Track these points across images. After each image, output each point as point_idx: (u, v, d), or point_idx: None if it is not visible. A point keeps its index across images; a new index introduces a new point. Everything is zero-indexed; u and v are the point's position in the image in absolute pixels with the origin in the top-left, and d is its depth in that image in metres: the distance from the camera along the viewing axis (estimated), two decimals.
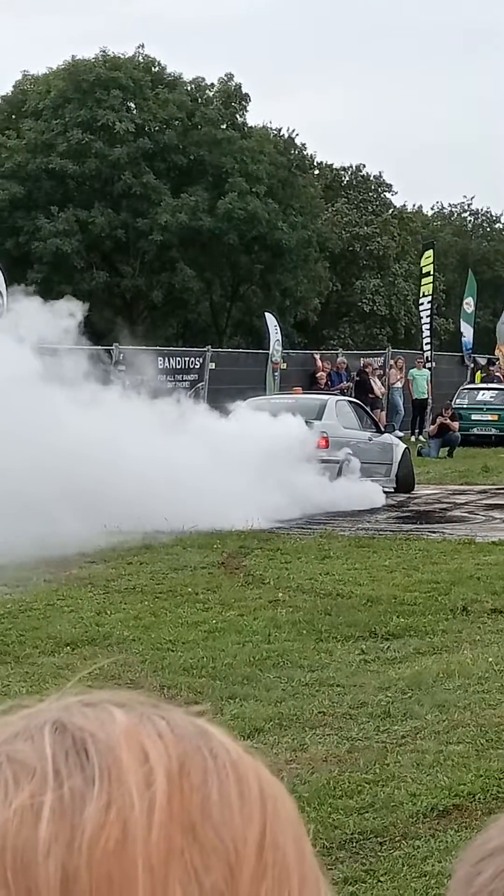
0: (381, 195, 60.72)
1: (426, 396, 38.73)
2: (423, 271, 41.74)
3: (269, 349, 38.03)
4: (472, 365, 46.27)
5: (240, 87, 52.02)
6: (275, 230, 49.54)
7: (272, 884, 0.70)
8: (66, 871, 0.66)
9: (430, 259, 41.29)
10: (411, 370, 39.18)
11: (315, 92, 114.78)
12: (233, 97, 51.82)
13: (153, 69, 51.31)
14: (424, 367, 39.51)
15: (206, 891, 0.67)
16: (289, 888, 0.71)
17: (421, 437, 36.49)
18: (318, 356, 39.31)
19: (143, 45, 51.96)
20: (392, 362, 40.12)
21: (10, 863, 0.66)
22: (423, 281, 41.50)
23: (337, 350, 43.80)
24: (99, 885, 0.65)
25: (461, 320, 47.41)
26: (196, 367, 33.72)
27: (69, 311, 19.07)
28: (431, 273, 41.31)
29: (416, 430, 37.89)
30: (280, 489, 18.39)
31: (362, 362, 37.98)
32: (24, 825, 0.66)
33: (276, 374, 36.88)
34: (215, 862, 0.68)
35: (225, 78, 52.19)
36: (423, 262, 42.19)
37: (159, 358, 31.55)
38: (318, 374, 36.01)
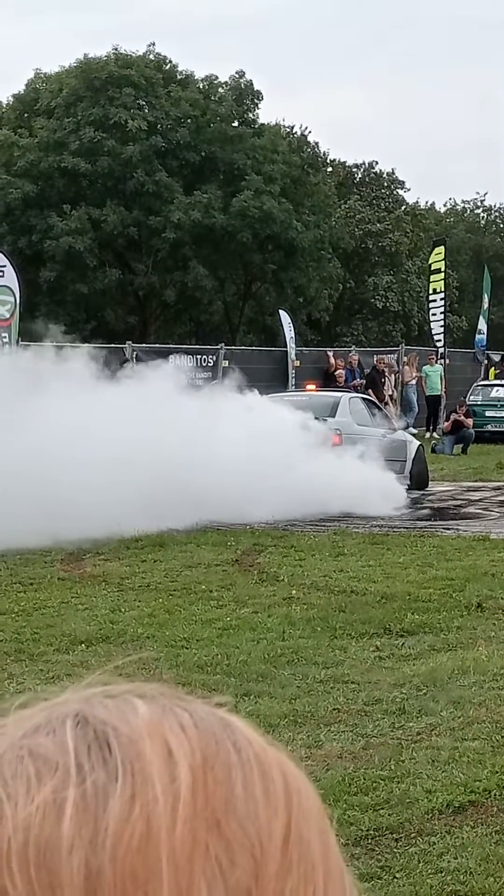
0: (394, 192, 60.71)
1: (439, 393, 38.68)
2: (433, 268, 41.69)
3: (284, 346, 38.06)
4: (486, 361, 46.22)
5: (251, 84, 52.04)
6: (288, 229, 49.53)
7: (297, 879, 0.69)
8: (90, 867, 0.65)
9: (441, 256, 41.23)
10: (424, 367, 39.14)
11: (328, 89, 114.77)
12: (245, 94, 51.82)
13: (164, 67, 51.34)
14: (437, 363, 39.46)
15: (231, 886, 0.67)
16: (314, 883, 0.70)
17: (435, 434, 36.45)
18: (331, 353, 39.28)
19: (154, 44, 52.00)
20: (406, 359, 40.09)
21: (34, 859, 0.65)
22: (434, 278, 41.44)
23: (350, 347, 43.77)
24: (124, 880, 0.65)
25: (480, 317, 47.36)
26: (209, 364, 33.73)
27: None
28: (443, 270, 41.25)
29: (431, 427, 37.86)
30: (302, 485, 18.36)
31: (375, 359, 37.92)
32: (47, 821, 0.66)
33: (291, 371, 36.92)
34: (240, 857, 0.67)
35: (237, 75, 52.21)
36: (432, 259, 42.14)
37: (172, 356, 31.55)
38: (337, 373, 35.94)
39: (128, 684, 0.75)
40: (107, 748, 0.69)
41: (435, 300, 41.13)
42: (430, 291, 41.54)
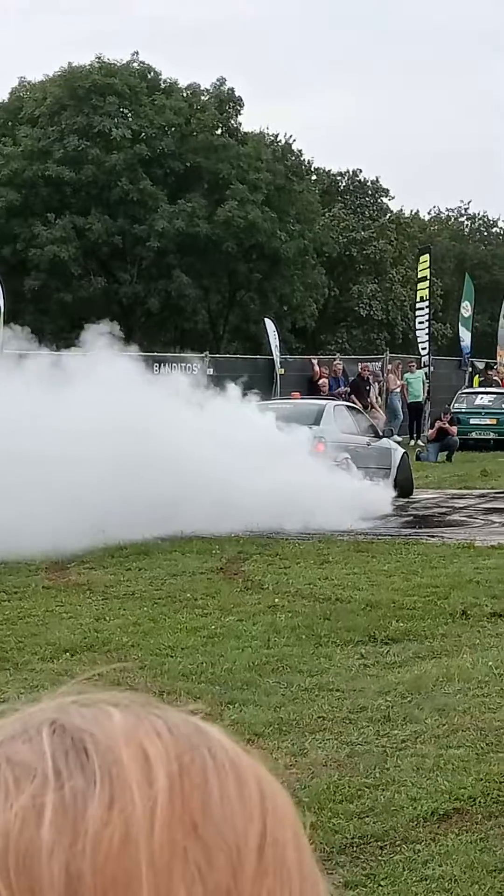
0: (378, 200, 60.84)
1: (421, 399, 38.74)
2: (420, 276, 41.76)
3: (269, 355, 38.08)
4: (470, 369, 46.29)
5: (233, 91, 52.10)
6: (272, 239, 49.58)
7: (274, 882, 0.70)
8: (70, 871, 0.65)
9: (427, 264, 41.30)
10: (405, 374, 39.23)
11: (312, 97, 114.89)
12: (226, 101, 51.88)
13: (148, 76, 51.38)
14: (418, 369, 39.53)
15: (210, 889, 0.67)
16: (290, 887, 0.71)
17: (419, 442, 36.51)
18: (315, 361, 39.32)
19: (137, 52, 52.04)
20: (390, 367, 40.14)
21: (13, 864, 0.65)
22: (420, 286, 41.51)
23: (335, 355, 43.80)
24: (104, 884, 0.65)
25: (459, 325, 47.45)
26: (194, 373, 33.71)
27: None
28: (428, 278, 41.33)
29: (414, 435, 37.91)
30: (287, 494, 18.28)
31: (359, 367, 37.98)
32: (27, 826, 0.66)
33: (277, 379, 36.94)
34: (218, 860, 0.68)
35: (217, 82, 52.29)
36: (419, 267, 42.21)
37: (156, 364, 31.53)
38: (321, 382, 35.96)
39: (102, 693, 0.75)
40: (84, 754, 0.69)
41: (422, 308, 41.23)
42: (418, 299, 41.62)
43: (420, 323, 41.25)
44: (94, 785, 0.67)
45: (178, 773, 0.69)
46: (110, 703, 0.74)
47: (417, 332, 41.38)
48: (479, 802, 6.99)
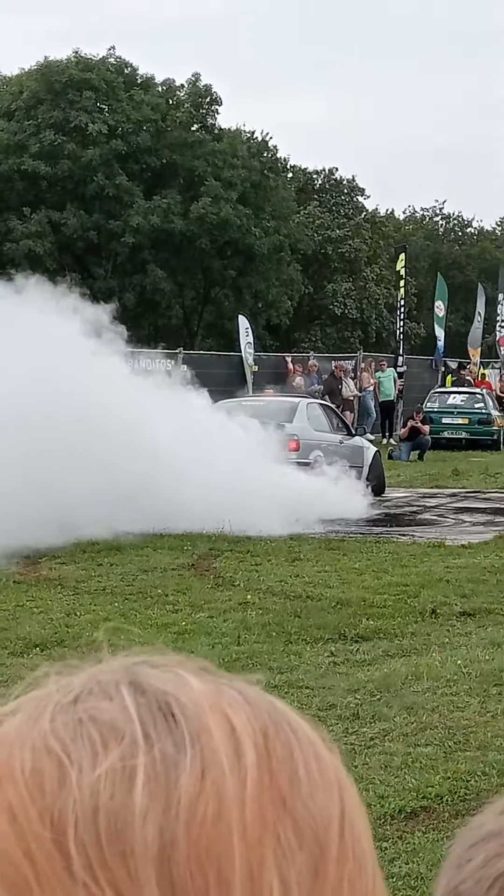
0: (354, 199, 60.86)
1: (393, 398, 38.82)
2: (399, 275, 41.86)
3: (240, 351, 38.07)
4: (442, 369, 46.39)
5: (209, 87, 52.05)
6: (247, 235, 49.56)
7: (353, 865, 0.69)
8: (164, 838, 0.64)
9: (403, 262, 41.40)
10: (376, 373, 39.30)
11: (289, 95, 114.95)
12: (203, 98, 51.82)
13: (125, 71, 51.28)
14: (388, 368, 39.60)
15: (299, 867, 0.66)
16: (367, 872, 0.70)
17: (392, 441, 36.57)
18: (289, 359, 39.35)
19: (114, 47, 51.95)
20: (364, 365, 40.20)
21: (104, 826, 0.64)
22: (399, 284, 41.63)
23: (309, 353, 43.83)
24: (198, 855, 0.64)
25: (434, 324, 47.54)
26: (168, 369, 33.68)
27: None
28: (403, 276, 41.41)
29: (387, 434, 37.98)
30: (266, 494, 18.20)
31: (333, 365, 38.01)
32: (119, 789, 0.65)
33: (249, 376, 36.94)
34: (307, 838, 0.67)
35: (193, 78, 52.21)
36: (398, 266, 42.31)
37: (129, 360, 31.46)
38: (295, 382, 35.92)
39: (167, 655, 0.74)
40: (171, 718, 0.68)
41: (400, 306, 41.29)
42: (399, 297, 41.70)
43: (399, 321, 41.34)
44: (184, 752, 0.67)
45: (264, 746, 0.68)
46: (181, 666, 0.73)
47: (396, 332, 41.45)
48: (447, 801, 7.03)
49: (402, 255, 41.95)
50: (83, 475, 15.77)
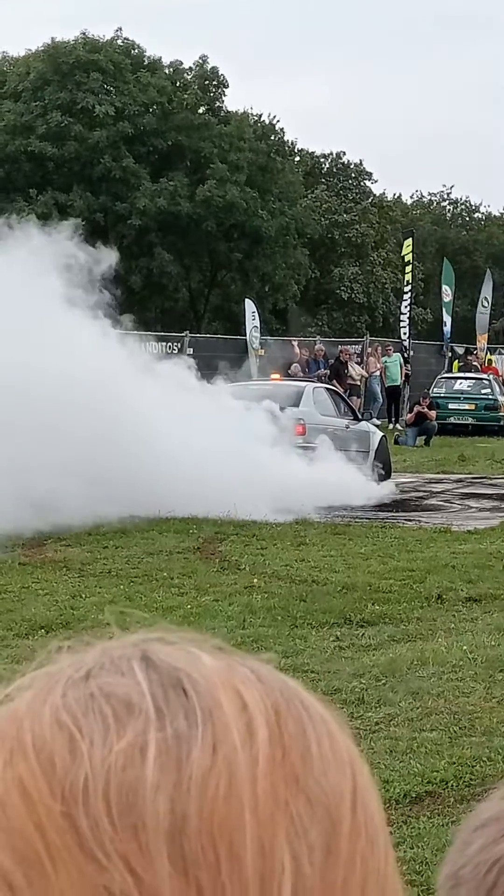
0: (361, 183, 60.78)
1: (398, 383, 38.79)
2: (406, 260, 41.78)
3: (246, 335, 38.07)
4: (449, 354, 46.35)
5: (216, 69, 51.95)
6: (254, 217, 49.50)
7: (366, 843, 0.69)
8: (176, 811, 0.64)
9: (411, 248, 41.33)
10: (382, 357, 39.27)
11: (297, 79, 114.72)
12: (210, 80, 51.74)
13: (132, 52, 51.19)
14: (394, 353, 39.58)
15: (311, 843, 0.66)
16: (379, 850, 0.70)
17: (398, 426, 36.55)
18: (295, 343, 39.31)
19: (121, 29, 51.88)
20: (370, 350, 40.16)
21: (115, 800, 0.64)
22: (406, 269, 41.52)
23: (315, 337, 43.79)
24: (210, 828, 0.64)
25: (443, 310, 47.49)
26: (174, 352, 33.68)
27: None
28: (410, 262, 41.34)
29: (393, 419, 37.96)
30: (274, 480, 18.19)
31: (339, 350, 37.99)
32: (130, 763, 0.65)
33: (256, 360, 36.92)
34: (319, 815, 0.67)
35: (200, 61, 52.11)
36: (404, 251, 42.24)
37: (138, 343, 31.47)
38: (291, 368, 35.82)
39: (180, 633, 0.74)
40: (183, 694, 0.68)
41: (406, 292, 41.23)
42: (405, 283, 41.63)
43: (404, 307, 41.28)
44: (196, 727, 0.66)
45: (276, 722, 0.68)
46: (192, 643, 0.73)
47: (401, 316, 41.40)
48: (452, 786, 7.02)
49: (410, 241, 41.86)
50: (62, 458, 15.72)
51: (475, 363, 44.62)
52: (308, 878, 0.65)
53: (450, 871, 0.85)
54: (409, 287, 41.07)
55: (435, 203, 72.42)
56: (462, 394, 38.27)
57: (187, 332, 36.77)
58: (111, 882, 0.63)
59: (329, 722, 0.71)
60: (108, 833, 0.64)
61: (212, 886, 0.64)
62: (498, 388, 39.27)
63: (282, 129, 55.26)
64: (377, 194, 62.43)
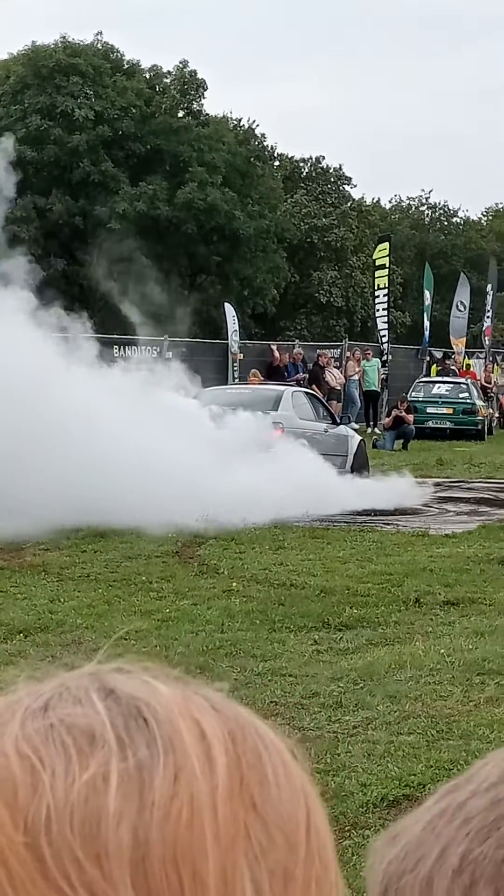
0: (340, 187, 60.79)
1: (376, 388, 38.86)
2: (377, 264, 41.78)
3: (227, 339, 38.08)
4: (427, 358, 46.42)
5: (195, 73, 51.95)
6: (233, 220, 49.52)
7: (320, 867, 0.70)
8: (139, 838, 0.65)
9: (386, 252, 41.33)
10: (362, 362, 39.32)
11: (277, 83, 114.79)
12: (189, 84, 51.74)
13: (112, 56, 51.16)
14: (373, 358, 39.62)
15: (271, 868, 0.67)
16: (331, 874, 0.71)
17: (376, 430, 36.60)
18: (274, 347, 39.35)
19: (101, 32, 51.87)
20: (349, 354, 40.21)
21: (78, 828, 0.65)
22: (378, 273, 41.52)
23: (294, 341, 43.82)
24: (173, 854, 0.65)
25: (424, 314, 47.55)
26: (153, 356, 33.67)
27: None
28: (387, 266, 41.37)
29: (371, 423, 38.00)
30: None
31: (317, 353, 38.03)
32: (93, 793, 0.66)
33: (235, 364, 36.95)
34: (277, 840, 0.68)
35: (180, 65, 52.12)
36: (376, 255, 42.25)
37: (115, 346, 31.47)
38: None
39: (135, 662, 0.75)
40: (143, 722, 0.69)
41: (379, 296, 41.25)
42: (375, 287, 41.63)
43: (378, 311, 41.31)
44: (157, 756, 0.67)
45: (233, 750, 0.69)
46: (148, 674, 0.73)
47: (378, 321, 41.43)
48: (429, 789, 7.01)
49: (386, 245, 41.86)
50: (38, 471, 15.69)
51: (453, 367, 44.70)
52: None
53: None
54: (386, 291, 41.09)
55: (413, 207, 72.51)
56: (440, 398, 38.35)
57: (166, 336, 36.75)
58: None
59: (283, 750, 0.73)
60: (72, 863, 0.64)
61: None
62: (476, 392, 39.36)
63: (262, 135, 55.31)
64: (356, 199, 62.46)
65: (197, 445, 17.70)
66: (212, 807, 0.66)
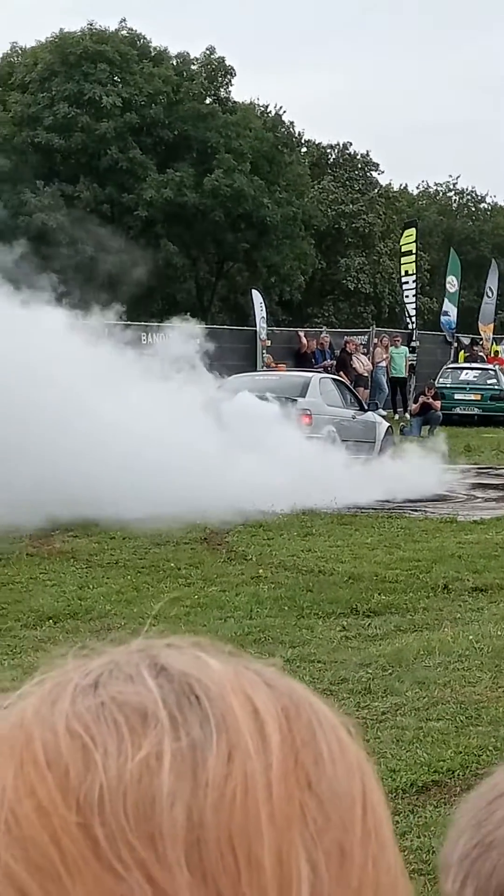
0: (368, 174, 60.68)
1: (404, 375, 38.77)
2: (404, 250, 41.68)
3: (255, 326, 38.07)
4: (455, 344, 46.28)
5: (223, 60, 51.89)
6: (260, 207, 49.47)
7: (376, 847, 0.69)
8: (193, 819, 0.64)
9: (412, 238, 41.24)
10: (389, 349, 39.25)
11: (304, 69, 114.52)
12: (217, 71, 51.69)
13: (138, 43, 51.14)
14: (402, 344, 39.55)
15: (326, 847, 0.66)
16: (388, 853, 0.70)
17: (406, 415, 36.54)
18: (302, 334, 39.33)
19: (125, 20, 51.86)
20: (377, 340, 40.13)
21: (132, 809, 0.64)
22: (405, 260, 41.42)
23: (321, 328, 43.78)
24: (228, 835, 0.64)
25: (445, 299, 47.43)
26: (182, 343, 33.64)
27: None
28: (414, 252, 41.25)
29: (397, 409, 37.94)
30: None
31: (344, 340, 37.99)
32: (147, 773, 0.65)
33: (263, 351, 36.96)
34: (333, 820, 0.67)
35: (207, 52, 52.07)
36: (403, 241, 42.15)
37: (142, 334, 31.49)
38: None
39: (185, 638, 0.74)
40: (195, 700, 0.68)
41: (407, 282, 41.14)
42: (402, 273, 41.52)
43: (406, 297, 41.20)
44: (210, 734, 0.67)
45: (287, 727, 0.68)
46: (198, 648, 0.73)
47: (406, 307, 41.33)
48: (458, 775, 7.05)
49: (413, 230, 41.76)
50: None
51: (481, 353, 44.55)
52: (325, 884, 0.66)
53: (471, 843, 0.85)
54: (414, 277, 40.98)
55: (441, 193, 72.31)
56: (468, 384, 38.22)
57: (195, 322, 36.74)
58: (129, 892, 0.63)
59: (337, 726, 0.72)
60: (125, 843, 0.64)
61: (232, 895, 0.64)
62: None
63: (291, 123, 55.23)
64: (384, 185, 62.36)
65: (220, 433, 17.69)
66: (266, 786, 0.66)
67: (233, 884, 0.64)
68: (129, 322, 32.15)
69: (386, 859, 0.70)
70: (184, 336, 21.95)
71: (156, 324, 35.74)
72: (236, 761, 0.66)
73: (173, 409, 17.44)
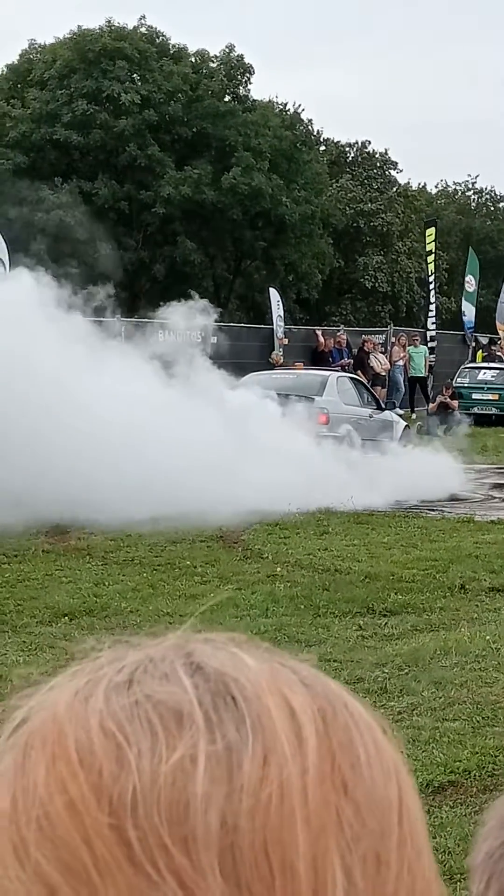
0: (386, 172, 60.60)
1: (423, 374, 38.72)
2: (428, 249, 41.67)
3: (271, 324, 38.04)
4: (473, 344, 46.20)
5: (242, 58, 51.87)
6: (279, 205, 49.45)
7: (412, 852, 0.68)
8: (227, 824, 0.63)
9: (433, 237, 41.22)
10: (408, 348, 39.21)
11: (322, 67, 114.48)
12: (235, 69, 51.67)
13: (157, 40, 51.15)
14: (421, 344, 39.49)
15: (362, 855, 0.65)
16: (424, 859, 0.69)
17: (423, 414, 36.50)
18: (319, 332, 39.30)
19: (144, 17, 51.86)
20: (394, 339, 40.09)
21: (165, 812, 0.63)
22: (429, 259, 41.41)
23: (338, 326, 43.74)
24: (262, 840, 0.63)
25: (463, 299, 47.36)
26: (198, 341, 33.66)
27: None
28: (433, 251, 41.23)
29: (416, 408, 37.91)
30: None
31: (362, 339, 37.95)
32: (181, 775, 0.64)
33: (280, 349, 36.93)
34: (369, 826, 0.66)
35: (226, 49, 52.04)
36: (427, 241, 42.13)
37: (160, 332, 31.46)
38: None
39: (220, 633, 0.73)
40: (232, 701, 0.67)
41: (430, 282, 41.13)
42: (428, 273, 41.51)
43: (431, 296, 41.19)
44: (246, 737, 0.65)
45: (324, 730, 0.67)
46: (234, 645, 0.72)
47: (430, 306, 41.28)
48: (474, 776, 7.03)
49: (432, 230, 41.73)
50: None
51: (499, 353, 44.47)
52: (360, 892, 0.65)
53: (498, 841, 0.86)
54: (433, 277, 40.94)
55: (459, 193, 72.21)
56: (486, 384, 38.16)
57: (211, 318, 36.72)
58: None
59: (373, 727, 0.70)
60: (159, 847, 0.63)
61: None
62: None
63: (309, 121, 55.19)
64: (402, 184, 62.27)
65: (237, 432, 17.64)
66: (302, 791, 0.64)
67: (266, 890, 0.63)
68: (145, 319, 32.15)
69: (421, 865, 0.68)
70: (194, 312, 21.83)
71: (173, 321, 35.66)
72: (272, 765, 0.65)
73: (190, 409, 17.43)
